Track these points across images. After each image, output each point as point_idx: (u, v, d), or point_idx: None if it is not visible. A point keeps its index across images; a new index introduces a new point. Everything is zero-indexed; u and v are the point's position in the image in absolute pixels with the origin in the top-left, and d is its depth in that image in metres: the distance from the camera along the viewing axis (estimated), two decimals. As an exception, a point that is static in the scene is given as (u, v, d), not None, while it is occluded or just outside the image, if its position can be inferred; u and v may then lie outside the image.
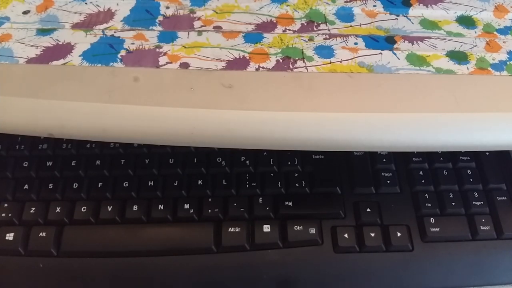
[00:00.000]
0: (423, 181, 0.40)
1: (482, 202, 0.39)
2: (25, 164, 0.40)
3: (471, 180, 0.40)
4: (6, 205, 0.38)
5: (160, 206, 0.38)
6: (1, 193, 0.39)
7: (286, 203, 0.38)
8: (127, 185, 0.39)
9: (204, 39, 0.33)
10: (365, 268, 0.36)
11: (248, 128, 0.29)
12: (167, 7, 0.36)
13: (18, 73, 0.31)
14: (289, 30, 0.34)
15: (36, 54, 0.32)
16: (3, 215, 0.38)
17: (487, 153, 0.42)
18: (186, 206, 0.38)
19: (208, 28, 0.34)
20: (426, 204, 0.38)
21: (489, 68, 0.33)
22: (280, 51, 0.33)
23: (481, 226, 0.37)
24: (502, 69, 0.33)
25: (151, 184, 0.39)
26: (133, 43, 0.33)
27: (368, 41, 0.34)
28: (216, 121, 0.29)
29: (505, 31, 0.35)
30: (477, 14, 0.36)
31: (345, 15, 0.36)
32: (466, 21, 0.36)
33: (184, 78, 0.31)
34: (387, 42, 0.34)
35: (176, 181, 0.39)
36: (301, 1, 0.36)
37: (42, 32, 0.33)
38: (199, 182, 0.39)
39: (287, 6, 0.36)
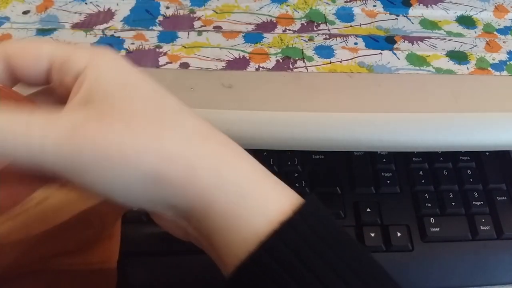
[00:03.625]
0: (423, 181, 0.40)
1: (482, 202, 0.39)
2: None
3: (471, 180, 0.40)
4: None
5: (160, 206, 0.38)
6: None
7: (286, 203, 0.38)
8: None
9: (204, 39, 0.33)
10: (365, 268, 0.36)
11: (248, 128, 0.29)
12: (167, 7, 0.36)
13: (18, 73, 0.31)
14: (289, 30, 0.34)
15: (36, 54, 0.32)
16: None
17: (487, 153, 0.42)
18: (186, 206, 0.38)
19: (208, 28, 0.34)
20: (426, 204, 0.38)
21: (489, 68, 0.33)
22: (280, 51, 0.33)
23: (481, 226, 0.37)
24: (502, 69, 0.33)
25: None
26: (133, 43, 0.33)
27: (368, 41, 0.34)
28: (216, 121, 0.29)
29: (505, 31, 0.35)
30: (477, 14, 0.36)
31: (345, 15, 0.36)
32: (466, 21, 0.36)
33: (184, 78, 0.31)
34: (387, 42, 0.34)
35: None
36: (301, 1, 0.36)
37: (42, 32, 0.33)
38: (199, 182, 0.39)
39: (287, 6, 0.36)
